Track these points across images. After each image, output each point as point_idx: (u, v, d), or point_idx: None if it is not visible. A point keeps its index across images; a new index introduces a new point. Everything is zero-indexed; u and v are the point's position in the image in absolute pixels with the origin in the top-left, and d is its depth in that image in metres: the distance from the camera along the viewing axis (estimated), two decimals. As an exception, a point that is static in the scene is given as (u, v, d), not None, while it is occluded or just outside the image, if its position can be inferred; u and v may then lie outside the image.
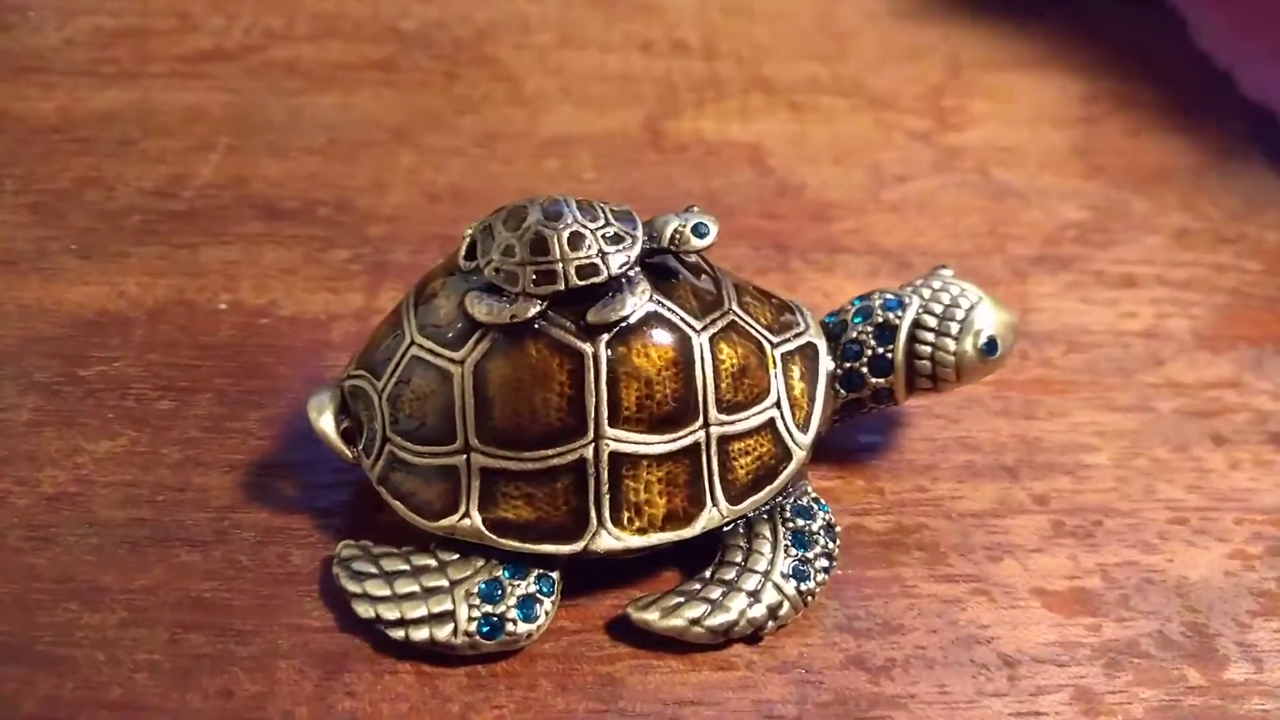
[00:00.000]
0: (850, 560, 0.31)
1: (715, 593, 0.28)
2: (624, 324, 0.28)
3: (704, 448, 0.28)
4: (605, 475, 0.28)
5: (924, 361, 0.31)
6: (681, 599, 0.28)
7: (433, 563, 0.28)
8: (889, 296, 0.32)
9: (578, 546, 0.28)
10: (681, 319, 0.28)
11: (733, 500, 0.29)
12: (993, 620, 0.30)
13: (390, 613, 0.27)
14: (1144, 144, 0.47)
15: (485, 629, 0.27)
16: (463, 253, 0.29)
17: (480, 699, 0.27)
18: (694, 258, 0.30)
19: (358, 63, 0.48)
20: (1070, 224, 0.43)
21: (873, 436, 0.34)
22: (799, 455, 0.30)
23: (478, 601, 0.27)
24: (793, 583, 0.29)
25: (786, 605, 0.28)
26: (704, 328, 0.28)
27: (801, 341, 0.31)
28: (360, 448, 0.29)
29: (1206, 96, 0.50)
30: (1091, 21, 0.54)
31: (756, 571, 0.29)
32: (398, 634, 0.27)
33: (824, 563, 0.29)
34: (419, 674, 0.27)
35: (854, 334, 0.31)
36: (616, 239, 0.28)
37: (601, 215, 0.28)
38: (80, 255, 0.38)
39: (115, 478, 0.31)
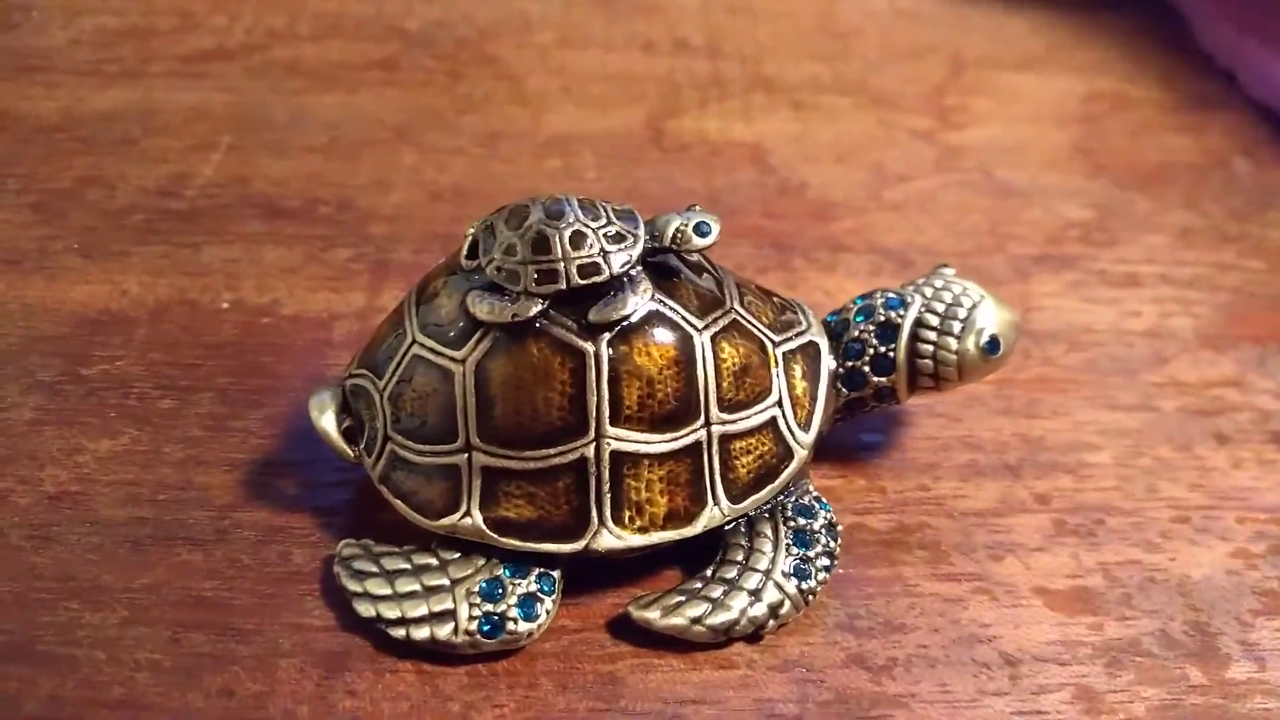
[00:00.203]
0: (852, 559, 0.31)
1: (716, 591, 0.28)
2: (625, 323, 0.28)
3: (705, 447, 0.28)
4: (606, 474, 0.28)
5: (926, 360, 0.31)
6: (683, 598, 0.28)
7: (434, 562, 0.28)
8: (891, 295, 0.32)
9: (579, 545, 0.28)
10: (683, 318, 0.28)
11: (734, 499, 0.29)
12: (994, 619, 0.29)
13: (391, 611, 0.27)
14: (1146, 143, 0.47)
15: (486, 628, 0.27)
16: (464, 252, 0.29)
17: (481, 698, 0.27)
18: (696, 257, 0.30)
19: (360, 62, 0.48)
20: (1073, 223, 0.43)
21: (874, 435, 0.34)
22: (800, 454, 0.30)
23: (479, 600, 0.27)
24: (794, 581, 0.29)
25: (788, 604, 0.28)
26: (705, 327, 0.28)
27: (803, 340, 0.31)
28: (361, 447, 0.29)
29: (1209, 95, 0.50)
30: (1093, 20, 0.54)
31: (758, 570, 0.29)
32: (399, 633, 0.27)
33: (825, 561, 0.29)
34: (420, 673, 0.27)
35: (856, 333, 0.31)
36: (618, 238, 0.28)
37: (603, 214, 0.28)
38: (82, 254, 0.38)
39: (117, 476, 0.31)
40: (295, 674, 0.27)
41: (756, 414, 0.29)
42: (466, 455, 0.28)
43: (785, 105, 0.48)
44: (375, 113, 0.45)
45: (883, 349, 0.31)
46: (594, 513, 0.28)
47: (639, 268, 0.28)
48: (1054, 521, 0.32)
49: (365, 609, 0.27)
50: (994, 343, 0.31)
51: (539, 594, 0.28)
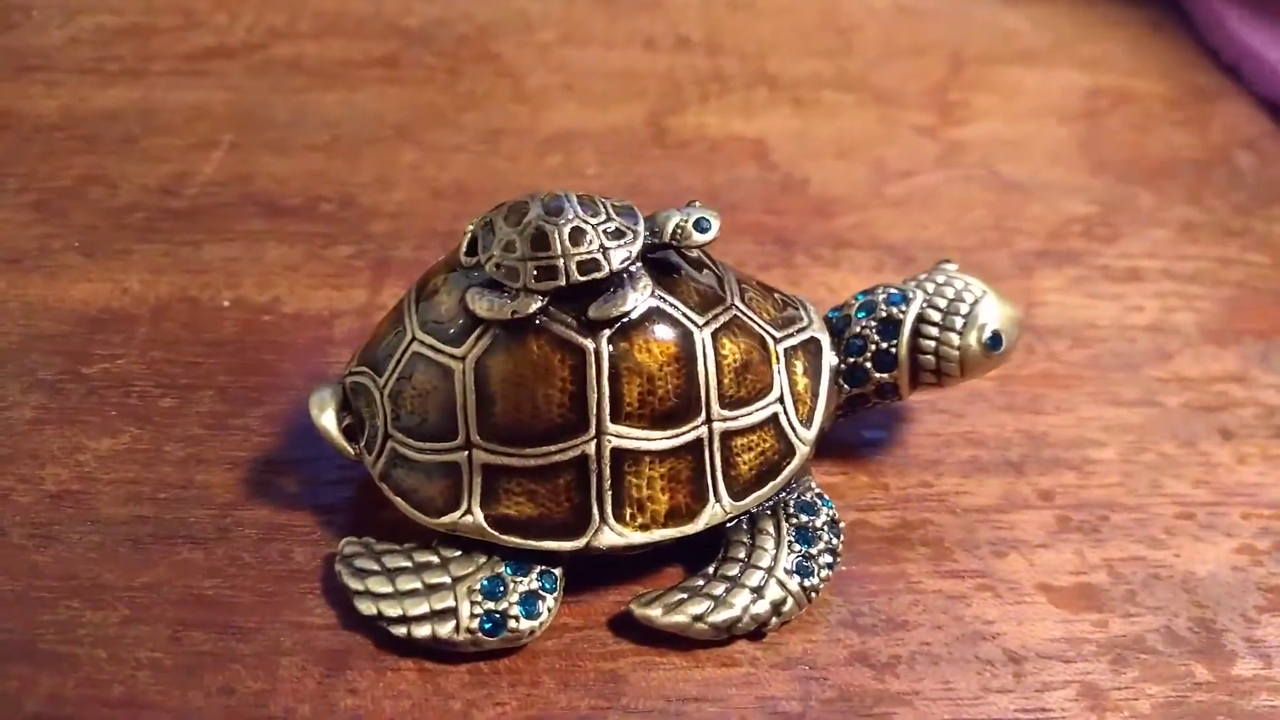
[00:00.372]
0: (854, 556, 0.30)
1: (719, 589, 0.28)
2: (626, 319, 0.27)
3: (706, 443, 0.28)
4: (607, 471, 0.28)
5: (928, 356, 0.31)
6: (685, 595, 0.28)
7: (435, 559, 0.28)
8: (893, 291, 0.32)
9: (580, 543, 0.28)
10: (683, 314, 0.28)
11: (736, 496, 0.29)
12: (998, 616, 0.29)
13: (392, 610, 0.27)
14: (1149, 138, 0.47)
15: (487, 626, 0.27)
16: (464, 248, 0.28)
17: (483, 696, 0.27)
18: (696, 253, 0.30)
19: (361, 60, 0.48)
20: (1075, 218, 0.42)
21: (877, 432, 0.34)
22: (802, 451, 0.30)
23: (480, 598, 0.27)
24: (796, 579, 0.28)
25: (790, 601, 0.28)
26: (706, 323, 0.28)
27: (805, 336, 0.31)
28: (362, 444, 0.29)
29: (1212, 90, 0.50)
30: (1096, 15, 0.54)
31: (760, 567, 0.29)
32: (400, 631, 0.27)
33: (828, 559, 0.29)
34: (421, 671, 0.27)
35: (858, 329, 0.31)
36: (618, 234, 0.28)
37: (603, 210, 0.28)
38: (83, 253, 0.38)
39: (117, 475, 0.31)
40: (296, 672, 0.27)
41: (758, 410, 0.29)
42: (467, 453, 0.28)
43: (787, 101, 0.47)
44: (376, 110, 0.45)
45: (885, 345, 0.31)
46: (595, 510, 0.28)
47: (639, 264, 0.28)
48: (1058, 518, 0.32)
49: (366, 607, 0.27)
50: (996, 338, 0.31)
51: (540, 592, 0.28)
